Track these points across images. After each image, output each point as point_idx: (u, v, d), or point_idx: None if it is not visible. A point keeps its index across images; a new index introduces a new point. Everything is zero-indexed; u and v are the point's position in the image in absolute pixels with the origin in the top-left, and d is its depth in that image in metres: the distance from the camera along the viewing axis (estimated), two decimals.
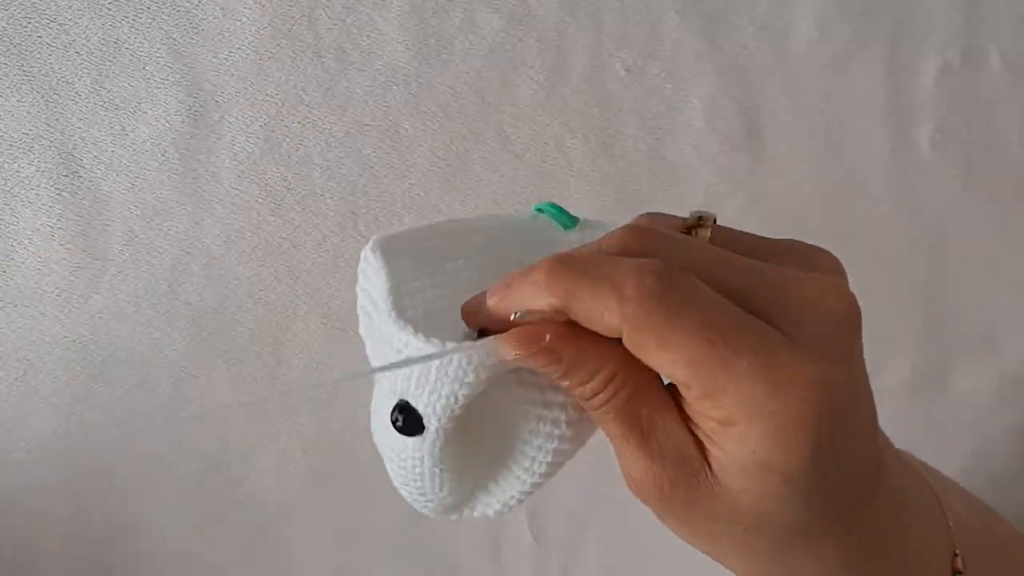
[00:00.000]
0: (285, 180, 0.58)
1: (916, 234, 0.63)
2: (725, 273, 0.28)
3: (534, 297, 0.28)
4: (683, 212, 0.61)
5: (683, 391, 0.28)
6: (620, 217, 0.60)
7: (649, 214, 0.33)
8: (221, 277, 0.58)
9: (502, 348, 0.29)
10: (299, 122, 0.57)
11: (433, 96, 0.58)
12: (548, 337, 0.28)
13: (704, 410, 0.27)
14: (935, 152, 0.62)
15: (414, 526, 0.63)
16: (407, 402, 0.31)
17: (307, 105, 0.57)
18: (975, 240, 0.63)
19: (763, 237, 0.32)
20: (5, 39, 0.55)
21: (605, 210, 0.60)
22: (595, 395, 0.29)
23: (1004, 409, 0.65)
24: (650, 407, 0.29)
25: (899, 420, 0.65)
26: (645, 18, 0.59)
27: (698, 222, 0.31)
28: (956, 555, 0.35)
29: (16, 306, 0.57)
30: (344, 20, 0.57)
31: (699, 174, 0.61)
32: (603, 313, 0.27)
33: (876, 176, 0.62)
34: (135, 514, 0.61)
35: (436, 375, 0.29)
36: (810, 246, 0.31)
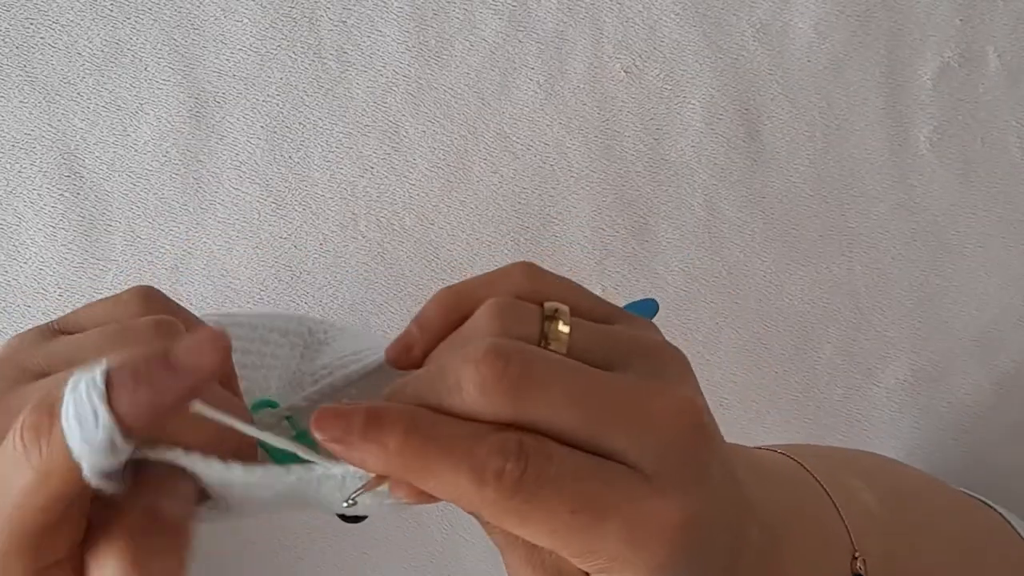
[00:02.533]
0: (285, 180, 0.58)
1: (915, 234, 0.63)
2: (578, 412, 0.27)
3: (378, 462, 0.26)
4: (682, 214, 0.61)
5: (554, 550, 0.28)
6: (620, 218, 0.60)
7: (502, 304, 0.30)
8: (221, 277, 0.58)
9: (396, 490, 0.27)
10: (299, 122, 0.58)
11: (433, 96, 0.58)
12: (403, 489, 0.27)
13: (578, 561, 0.27)
14: (933, 152, 0.62)
15: (415, 525, 0.63)
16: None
17: (307, 105, 0.57)
18: (973, 240, 0.63)
19: (613, 333, 0.30)
20: (7, 40, 0.55)
21: (605, 210, 0.60)
22: (481, 520, 0.29)
23: (1003, 409, 0.65)
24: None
25: (898, 420, 0.65)
26: (645, 19, 0.59)
27: (555, 314, 0.29)
28: (855, 558, 0.35)
29: (18, 306, 0.57)
30: (344, 21, 0.57)
31: (698, 174, 0.61)
32: (459, 496, 0.26)
33: (875, 176, 0.62)
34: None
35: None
36: (657, 345, 0.30)
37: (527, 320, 0.29)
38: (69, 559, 0.26)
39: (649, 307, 0.35)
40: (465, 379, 0.26)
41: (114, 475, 0.26)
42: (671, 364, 0.30)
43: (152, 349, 0.25)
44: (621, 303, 0.61)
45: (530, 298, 0.30)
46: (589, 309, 0.31)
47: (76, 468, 0.24)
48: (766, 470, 0.35)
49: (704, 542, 0.27)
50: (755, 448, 0.41)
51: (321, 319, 0.38)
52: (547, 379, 0.27)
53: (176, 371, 0.24)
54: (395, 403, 0.27)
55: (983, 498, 0.53)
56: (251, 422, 0.27)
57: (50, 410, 0.24)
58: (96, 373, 0.24)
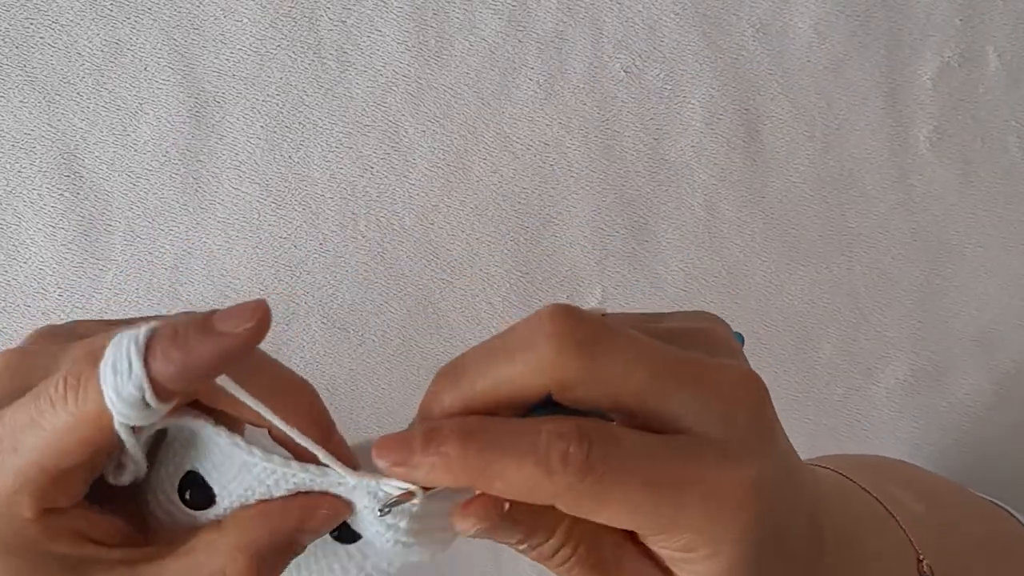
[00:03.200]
0: (285, 180, 0.58)
1: (914, 234, 0.63)
2: (646, 375, 0.27)
3: (443, 472, 0.26)
4: (682, 214, 0.61)
5: (636, 532, 0.28)
6: (620, 218, 0.60)
7: (563, 307, 0.30)
8: (221, 277, 0.58)
9: (462, 522, 0.27)
10: (299, 122, 0.58)
11: (433, 96, 0.58)
12: (507, 506, 0.27)
13: (661, 543, 0.27)
14: (933, 152, 0.62)
15: None
16: (199, 475, 0.29)
17: (307, 105, 0.57)
18: (973, 240, 0.63)
19: (668, 324, 0.31)
20: (7, 40, 0.55)
21: (605, 210, 0.60)
22: (555, 554, 0.28)
23: (1003, 408, 0.65)
24: (611, 549, 0.29)
25: (898, 420, 0.65)
26: (644, 19, 0.59)
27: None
28: (920, 560, 0.35)
29: (18, 306, 0.57)
30: (344, 21, 0.57)
31: (698, 174, 0.61)
32: (531, 490, 0.26)
33: (874, 176, 0.62)
34: None
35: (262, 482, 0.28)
36: (715, 332, 0.31)
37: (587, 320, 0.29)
38: (71, 509, 0.28)
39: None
40: (539, 335, 0.26)
41: (140, 440, 0.27)
42: (720, 344, 0.30)
43: (195, 315, 0.25)
44: (621, 303, 0.61)
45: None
46: (632, 318, 0.31)
47: (107, 417, 0.25)
48: (824, 482, 0.35)
49: (780, 505, 0.27)
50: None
51: None
52: (617, 341, 0.27)
53: (212, 334, 0.25)
54: (447, 419, 0.27)
55: (997, 501, 0.54)
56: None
57: (93, 360, 0.25)
58: (140, 330, 0.25)
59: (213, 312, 0.25)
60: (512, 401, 0.27)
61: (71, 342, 0.28)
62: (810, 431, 0.64)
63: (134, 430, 0.26)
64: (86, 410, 0.25)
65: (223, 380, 0.26)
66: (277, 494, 0.28)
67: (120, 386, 0.25)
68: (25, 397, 0.26)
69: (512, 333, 0.27)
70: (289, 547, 0.28)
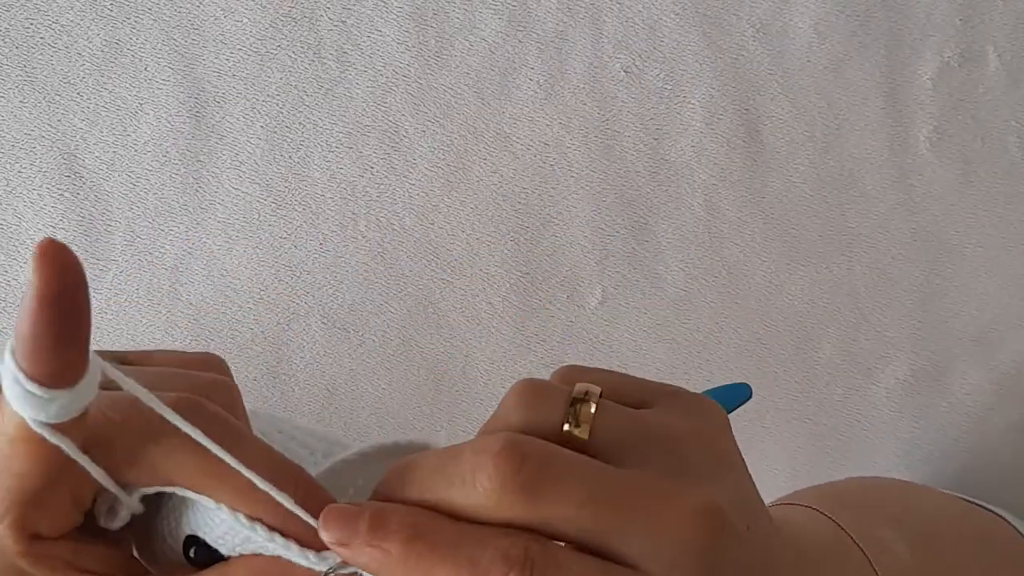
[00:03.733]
0: (285, 180, 0.58)
1: (914, 234, 0.63)
2: (590, 514, 0.26)
3: (381, 566, 0.26)
4: (682, 214, 0.61)
5: None
6: (620, 218, 0.60)
7: (529, 385, 0.29)
8: (221, 277, 0.58)
9: None
10: (299, 122, 0.58)
11: (433, 96, 0.58)
12: None
13: None
14: (933, 152, 0.62)
15: None
16: (197, 537, 0.30)
17: (307, 105, 0.57)
18: (973, 240, 0.63)
19: (642, 420, 0.29)
20: (8, 40, 0.55)
21: (605, 210, 0.60)
22: None
23: (1002, 409, 0.65)
24: None
25: (898, 420, 0.65)
26: (644, 19, 0.59)
27: (584, 396, 0.29)
28: None
29: (18, 306, 0.57)
30: (344, 21, 0.57)
31: (698, 174, 0.61)
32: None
33: (874, 176, 0.62)
34: None
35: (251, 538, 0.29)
36: (689, 436, 0.29)
37: (552, 401, 0.28)
38: (61, 541, 0.28)
39: (741, 392, 0.34)
40: (480, 472, 0.26)
41: (69, 430, 0.27)
42: (699, 456, 0.29)
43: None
44: (621, 303, 0.61)
45: (564, 383, 0.29)
46: (626, 393, 0.30)
47: (27, 427, 0.26)
48: (801, 546, 0.34)
49: None
50: (789, 505, 0.41)
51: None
52: (562, 479, 0.26)
53: (28, 294, 0.25)
54: (399, 504, 0.27)
55: (990, 506, 0.53)
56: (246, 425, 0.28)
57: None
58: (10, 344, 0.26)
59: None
60: (458, 517, 0.27)
61: None
62: (810, 431, 0.64)
63: (69, 433, 0.27)
64: (9, 427, 0.26)
65: (103, 364, 0.26)
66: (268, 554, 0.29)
67: (7, 387, 0.26)
68: None
69: (459, 459, 0.27)
70: None
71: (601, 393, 0.29)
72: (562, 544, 0.27)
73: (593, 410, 0.28)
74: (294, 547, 0.28)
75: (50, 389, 0.25)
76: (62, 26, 0.55)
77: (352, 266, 0.59)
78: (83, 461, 0.27)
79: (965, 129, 0.62)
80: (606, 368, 0.31)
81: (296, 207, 0.58)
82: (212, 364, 0.33)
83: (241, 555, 0.29)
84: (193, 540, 0.29)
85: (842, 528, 0.37)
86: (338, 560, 0.28)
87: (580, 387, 0.29)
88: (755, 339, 0.63)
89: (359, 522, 0.26)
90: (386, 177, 0.59)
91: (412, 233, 0.59)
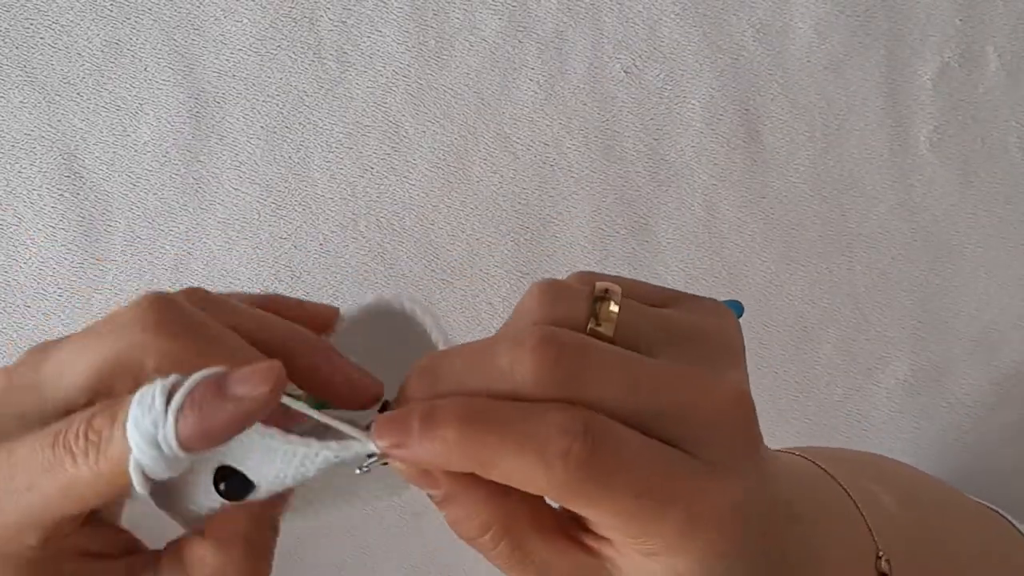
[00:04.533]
0: (285, 180, 0.58)
1: (914, 234, 0.63)
2: (633, 400, 0.27)
3: (440, 457, 0.26)
4: (682, 214, 0.61)
5: (601, 527, 0.28)
6: (620, 218, 0.60)
7: (549, 285, 0.29)
8: (222, 277, 0.58)
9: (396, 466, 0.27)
10: (299, 122, 0.58)
11: (433, 96, 0.58)
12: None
13: (631, 543, 0.27)
14: (933, 152, 0.62)
15: (414, 521, 0.63)
16: (232, 467, 0.29)
17: (307, 105, 0.58)
18: (973, 240, 0.63)
19: (664, 315, 0.30)
20: (7, 41, 0.55)
21: (605, 210, 0.60)
22: (474, 540, 0.28)
23: (1002, 408, 0.65)
24: (538, 545, 0.28)
25: (898, 420, 0.65)
26: (644, 19, 0.59)
27: (604, 294, 0.29)
28: (879, 557, 0.35)
29: (18, 306, 0.57)
30: (344, 21, 0.57)
31: (698, 175, 0.61)
32: (525, 480, 0.26)
33: (874, 176, 0.62)
34: (138, 513, 0.61)
35: (283, 459, 0.28)
36: (709, 329, 0.30)
37: (575, 300, 0.29)
38: (80, 530, 0.28)
39: (734, 308, 0.35)
40: (519, 365, 0.26)
41: (158, 489, 0.27)
42: (722, 349, 0.30)
43: (209, 373, 0.26)
44: None
45: (581, 284, 0.30)
46: (645, 294, 0.31)
47: (126, 474, 0.26)
48: (794, 469, 0.35)
49: (758, 527, 0.28)
50: (792, 454, 0.42)
51: None
52: (601, 367, 0.26)
53: (228, 399, 0.25)
54: (447, 397, 0.27)
55: (988, 503, 0.53)
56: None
57: (112, 417, 0.26)
58: (159, 390, 0.26)
59: (227, 372, 0.26)
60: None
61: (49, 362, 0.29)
62: (810, 431, 0.64)
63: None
64: (108, 468, 0.26)
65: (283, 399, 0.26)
66: (311, 475, 0.28)
67: (144, 446, 0.25)
68: (39, 437, 0.27)
69: (493, 354, 0.27)
70: (272, 526, 0.29)
71: (621, 292, 0.29)
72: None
73: (615, 308, 0.28)
74: (353, 440, 0.27)
75: (183, 459, 0.26)
76: (62, 26, 0.55)
77: (352, 266, 0.59)
78: (147, 497, 0.27)
79: (965, 129, 0.62)
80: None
81: (296, 207, 0.58)
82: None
83: (215, 514, 0.28)
84: (225, 473, 0.29)
85: (827, 472, 0.37)
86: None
87: (600, 286, 0.29)
88: (755, 339, 0.63)
89: (411, 420, 0.26)
90: (386, 177, 0.59)
91: (412, 233, 0.59)
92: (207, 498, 0.29)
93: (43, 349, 0.29)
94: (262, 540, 0.29)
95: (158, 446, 0.25)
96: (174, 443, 0.25)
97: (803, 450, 0.41)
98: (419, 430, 0.26)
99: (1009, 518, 0.51)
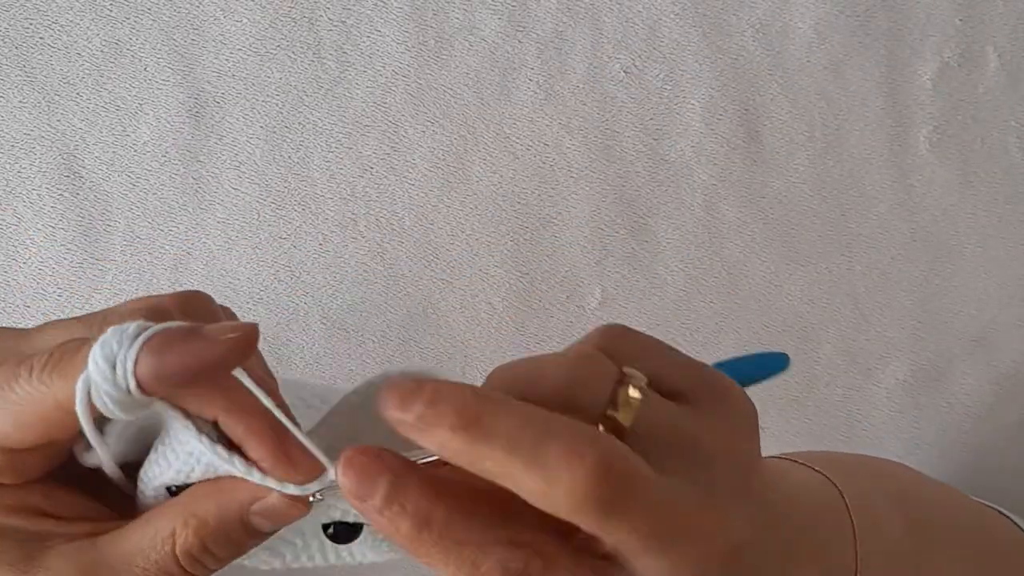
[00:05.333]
0: (285, 180, 0.58)
1: (914, 234, 0.63)
2: (646, 545, 0.27)
3: (391, 535, 0.26)
4: (682, 214, 0.61)
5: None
6: (620, 218, 0.60)
7: (590, 357, 0.29)
8: (221, 277, 0.58)
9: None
10: (299, 122, 0.58)
11: (433, 96, 0.58)
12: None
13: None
14: (933, 152, 0.62)
15: None
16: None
17: (307, 105, 0.57)
18: (973, 240, 0.63)
19: (680, 424, 0.30)
20: (7, 40, 0.55)
21: (604, 210, 0.60)
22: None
23: (1002, 408, 0.65)
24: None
25: (898, 420, 0.65)
26: (644, 19, 0.59)
27: (628, 380, 0.29)
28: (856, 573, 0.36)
29: (18, 307, 0.57)
30: (344, 21, 0.57)
31: (698, 175, 0.61)
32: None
33: (874, 177, 0.62)
34: None
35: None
36: (716, 449, 0.30)
37: (601, 381, 0.28)
38: (26, 485, 0.28)
39: (778, 362, 0.34)
40: (563, 474, 0.25)
41: (107, 433, 0.27)
42: (730, 476, 0.30)
43: (187, 324, 0.26)
44: (621, 303, 0.61)
45: (613, 354, 0.29)
46: (668, 379, 0.30)
47: (71, 402, 0.26)
48: (793, 496, 0.35)
49: (753, 563, 0.28)
50: (792, 460, 0.42)
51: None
52: (634, 506, 0.26)
53: (200, 338, 0.25)
54: (414, 478, 0.27)
55: (997, 507, 0.53)
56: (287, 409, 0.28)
57: (79, 345, 0.26)
58: (133, 324, 0.26)
59: (203, 325, 0.26)
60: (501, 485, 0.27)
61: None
62: (810, 431, 0.64)
63: (101, 421, 0.27)
64: (59, 387, 0.26)
65: (239, 373, 0.26)
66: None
67: (101, 363, 0.25)
68: (10, 361, 0.27)
69: (546, 446, 0.26)
70: (241, 525, 0.28)
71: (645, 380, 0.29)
72: (562, 561, 0.27)
73: (636, 395, 0.28)
74: (261, 476, 0.28)
75: (139, 399, 0.26)
76: (62, 26, 0.55)
77: (352, 266, 0.59)
78: (95, 442, 0.27)
79: (965, 129, 0.62)
80: (649, 336, 0.31)
81: (296, 207, 0.58)
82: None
83: (192, 486, 0.28)
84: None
85: (842, 495, 0.37)
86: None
87: (628, 371, 0.29)
88: (755, 339, 0.63)
89: (378, 483, 0.26)
90: (386, 177, 0.59)
91: (412, 233, 0.59)
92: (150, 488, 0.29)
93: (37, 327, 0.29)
94: (224, 533, 0.28)
95: (114, 369, 0.25)
96: (131, 368, 0.25)
97: (822, 457, 0.41)
98: (380, 499, 0.26)
99: (1014, 518, 0.51)
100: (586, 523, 0.26)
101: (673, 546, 0.27)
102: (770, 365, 0.34)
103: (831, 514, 0.36)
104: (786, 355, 0.34)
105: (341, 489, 0.26)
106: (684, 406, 0.30)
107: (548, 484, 0.25)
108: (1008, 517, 0.51)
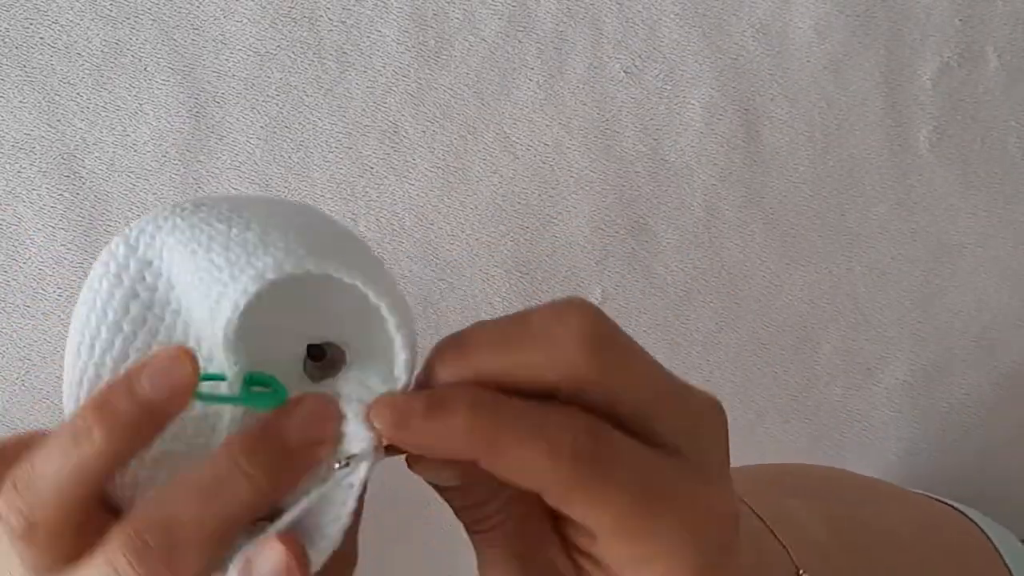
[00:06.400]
0: (285, 180, 0.58)
1: (914, 234, 0.63)
2: (650, 388, 0.28)
3: (445, 442, 0.26)
4: (682, 214, 0.61)
5: (596, 531, 0.27)
6: (620, 218, 0.60)
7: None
8: None
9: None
10: (299, 122, 0.58)
11: (433, 96, 0.58)
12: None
13: (625, 547, 0.27)
14: (933, 152, 0.62)
15: (415, 525, 0.63)
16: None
17: (307, 106, 0.58)
18: (973, 240, 0.63)
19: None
20: (7, 40, 0.55)
21: (605, 210, 0.60)
22: (477, 522, 0.29)
23: (1002, 409, 0.65)
24: (534, 537, 0.29)
25: (898, 420, 0.65)
26: (644, 19, 0.59)
27: None
28: (800, 574, 0.36)
29: (18, 306, 0.57)
30: (344, 21, 0.57)
31: (698, 175, 0.61)
32: (531, 473, 0.26)
33: (874, 176, 0.62)
34: None
35: None
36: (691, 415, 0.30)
37: None
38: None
39: None
40: (562, 328, 0.26)
41: None
42: (708, 460, 0.30)
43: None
44: (621, 303, 0.61)
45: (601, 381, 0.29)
46: (655, 417, 0.30)
47: None
48: None
49: (738, 536, 0.28)
50: None
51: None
52: (633, 350, 0.27)
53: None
54: (452, 385, 0.27)
55: (954, 503, 0.54)
56: None
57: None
58: None
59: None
60: (518, 390, 0.27)
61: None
62: (810, 431, 0.64)
63: None
64: None
65: None
66: None
67: None
68: None
69: (531, 321, 0.27)
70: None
71: None
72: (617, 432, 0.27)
73: None
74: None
75: None
76: (62, 26, 0.55)
77: None
78: None
79: (965, 129, 0.62)
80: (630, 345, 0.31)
81: None
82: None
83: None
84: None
85: (755, 513, 0.38)
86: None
87: None
88: (755, 339, 0.63)
89: (414, 403, 0.26)
90: (386, 177, 0.59)
91: (412, 233, 0.59)
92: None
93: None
94: None
95: None
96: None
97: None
98: (423, 413, 0.26)
99: (975, 519, 0.51)
100: (602, 369, 0.26)
101: (683, 403, 0.27)
102: None
103: (755, 533, 0.37)
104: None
105: (379, 428, 0.26)
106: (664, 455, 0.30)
107: (553, 344, 0.26)
108: (965, 515, 0.51)
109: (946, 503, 0.54)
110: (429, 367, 0.28)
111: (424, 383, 0.28)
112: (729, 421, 0.30)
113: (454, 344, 0.28)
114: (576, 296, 0.27)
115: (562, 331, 0.26)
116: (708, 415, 0.28)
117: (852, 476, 0.54)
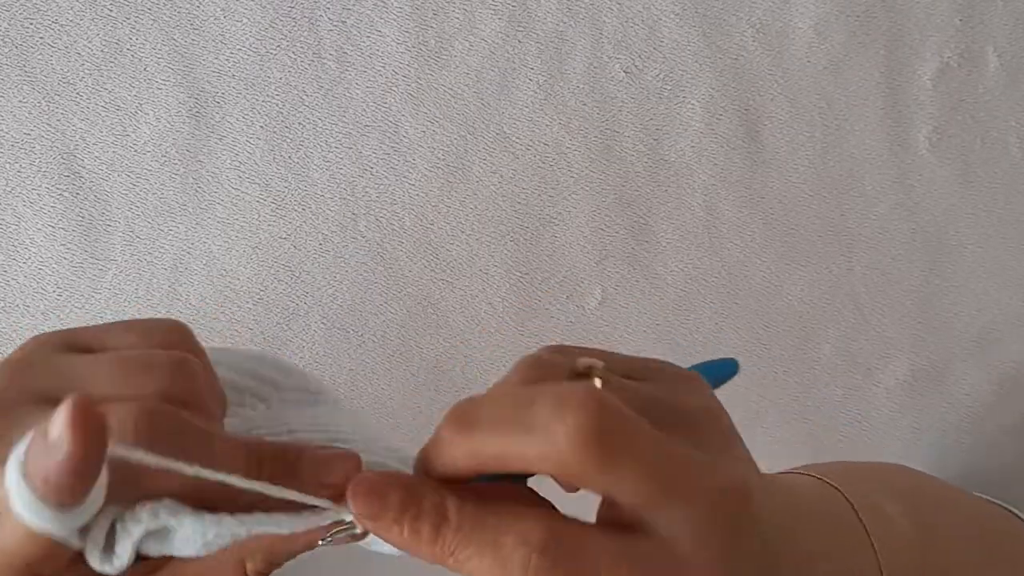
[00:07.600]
0: (285, 180, 0.58)
1: (914, 234, 0.63)
2: (644, 490, 0.27)
3: (412, 546, 0.27)
4: (682, 214, 0.61)
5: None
6: (620, 218, 0.60)
7: (533, 360, 0.30)
8: (221, 277, 0.58)
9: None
10: (299, 122, 0.58)
11: (433, 96, 0.58)
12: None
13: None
14: (933, 153, 0.62)
15: None
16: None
17: (307, 105, 0.57)
18: (973, 240, 0.63)
19: (649, 396, 0.30)
20: (6, 40, 0.55)
21: (604, 210, 0.60)
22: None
23: (1003, 409, 0.65)
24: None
25: (898, 420, 0.65)
26: (644, 19, 0.59)
27: (587, 371, 0.29)
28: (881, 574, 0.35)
29: (17, 306, 0.57)
30: (344, 21, 0.57)
31: (698, 175, 0.61)
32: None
33: (874, 177, 0.62)
34: None
35: None
36: (696, 411, 0.30)
37: (556, 376, 0.29)
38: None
39: (727, 368, 0.34)
40: (559, 425, 0.26)
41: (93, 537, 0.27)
42: (713, 433, 0.30)
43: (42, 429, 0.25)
44: (621, 303, 0.61)
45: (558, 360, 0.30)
46: (621, 365, 0.30)
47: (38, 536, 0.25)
48: (802, 506, 0.35)
49: (755, 514, 0.28)
50: (792, 473, 0.42)
51: (319, 382, 0.38)
52: (634, 448, 0.26)
53: (52, 449, 0.24)
54: (427, 481, 0.28)
55: (1001, 502, 0.53)
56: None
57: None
58: (13, 456, 0.25)
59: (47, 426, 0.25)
60: (512, 471, 0.27)
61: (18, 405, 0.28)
62: (810, 431, 0.64)
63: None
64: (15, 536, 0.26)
65: (117, 449, 0.25)
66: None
67: (26, 507, 0.25)
68: None
69: (534, 410, 0.26)
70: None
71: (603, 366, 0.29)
72: (585, 524, 0.27)
73: (599, 384, 0.28)
74: (312, 500, 0.28)
75: (70, 509, 0.25)
76: (62, 26, 0.55)
77: (352, 266, 0.59)
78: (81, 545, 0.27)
79: (965, 129, 0.62)
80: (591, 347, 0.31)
81: (296, 207, 0.58)
82: (174, 337, 0.31)
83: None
84: None
85: (846, 498, 0.37)
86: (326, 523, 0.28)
87: (582, 361, 0.29)
88: (755, 339, 0.63)
89: (390, 495, 0.27)
90: (386, 177, 0.59)
91: (412, 233, 0.59)
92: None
93: None
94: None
95: (29, 509, 0.25)
96: (36, 504, 0.25)
97: (823, 469, 0.41)
98: (396, 512, 0.27)
99: (1020, 514, 0.51)
100: (593, 472, 0.26)
101: (681, 492, 0.27)
102: (720, 371, 0.34)
103: (837, 513, 0.36)
104: (735, 361, 0.34)
105: (354, 516, 0.27)
106: (649, 383, 0.30)
107: (547, 440, 0.26)
108: (1015, 513, 0.51)
109: (993, 501, 0.54)
110: (437, 441, 0.28)
111: (430, 459, 0.28)
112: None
113: (460, 417, 0.28)
114: (582, 388, 0.26)
115: (559, 428, 0.26)
116: (710, 504, 0.27)
117: (924, 474, 0.54)
